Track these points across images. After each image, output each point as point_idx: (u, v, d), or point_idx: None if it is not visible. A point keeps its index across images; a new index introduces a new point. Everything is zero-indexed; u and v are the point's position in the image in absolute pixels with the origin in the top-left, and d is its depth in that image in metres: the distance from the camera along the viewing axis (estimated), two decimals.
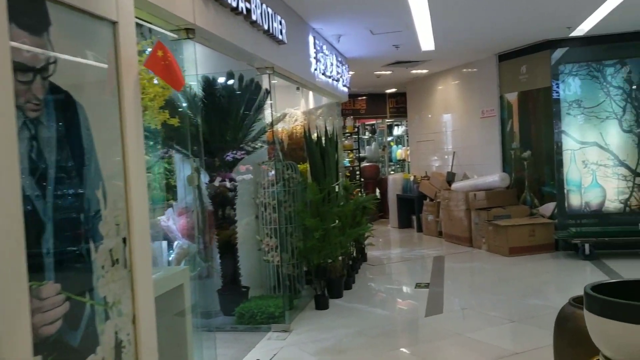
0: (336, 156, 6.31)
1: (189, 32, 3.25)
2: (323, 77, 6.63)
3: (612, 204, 7.55)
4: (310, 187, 5.62)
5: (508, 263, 7.22)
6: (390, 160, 13.82)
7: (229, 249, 5.32)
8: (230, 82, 5.07)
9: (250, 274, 5.63)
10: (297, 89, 8.14)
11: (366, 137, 14.15)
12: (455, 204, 8.77)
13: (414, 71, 9.98)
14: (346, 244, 6.32)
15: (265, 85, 5.17)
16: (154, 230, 4.80)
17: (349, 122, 12.50)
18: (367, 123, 14.09)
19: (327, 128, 6.37)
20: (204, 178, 5.20)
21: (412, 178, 10.68)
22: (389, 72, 9.86)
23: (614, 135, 7.51)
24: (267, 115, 5.30)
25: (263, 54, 4.48)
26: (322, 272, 5.66)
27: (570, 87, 7.65)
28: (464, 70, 9.63)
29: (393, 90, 12.78)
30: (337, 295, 5.81)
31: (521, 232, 7.58)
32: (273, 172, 5.46)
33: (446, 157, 10.27)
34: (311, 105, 8.67)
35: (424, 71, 10.08)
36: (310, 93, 8.18)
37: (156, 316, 2.23)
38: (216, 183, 5.10)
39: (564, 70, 7.65)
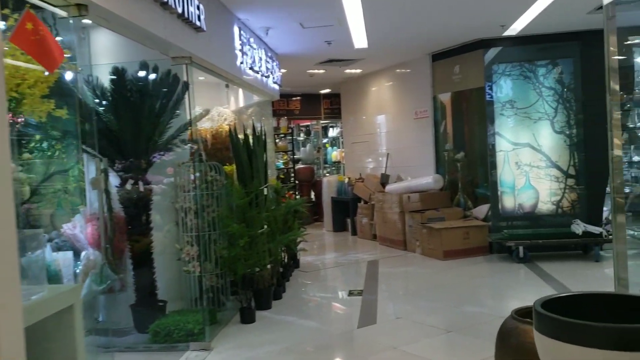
0: (265, 157, 5.90)
1: (81, 8, 2.76)
2: (251, 73, 6.22)
3: (545, 205, 7.52)
4: (236, 190, 5.18)
5: (442, 267, 7.03)
6: (326, 162, 13.53)
7: (144, 260, 4.80)
8: (144, 73, 4.55)
9: (169, 287, 5.11)
10: (226, 86, 7.72)
11: (301, 138, 13.82)
12: (389, 207, 8.55)
13: (347, 71, 9.72)
14: (276, 251, 5.92)
15: (184, 77, 4.69)
16: (60, 239, 4.24)
17: (283, 122, 12.14)
18: (302, 124, 13.77)
19: (256, 127, 5.95)
20: (114, 181, 4.66)
21: (346, 180, 10.41)
22: (322, 71, 9.55)
23: (546, 137, 7.49)
24: (191, 112, 4.83)
25: (178, 41, 4.02)
26: (249, 282, 5.23)
27: (503, 88, 7.58)
28: (398, 70, 9.45)
29: (327, 90, 12.51)
30: (266, 307, 5.39)
31: (455, 235, 7.42)
32: (196, 173, 4.99)
33: (380, 158, 10.06)
34: (241, 103, 8.24)
35: (358, 71, 9.84)
36: (240, 91, 7.75)
37: (39, 344, 1.77)
38: (128, 186, 4.57)
39: (497, 70, 7.57)
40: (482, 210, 7.80)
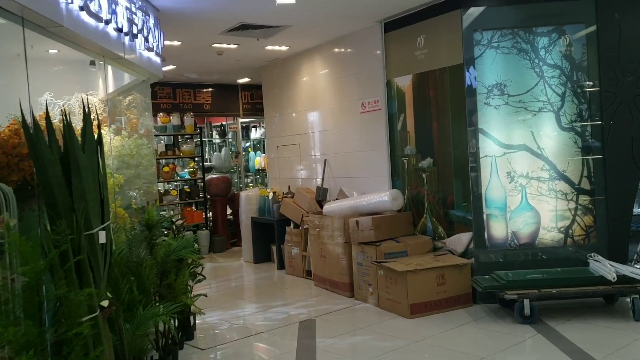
0: (107, 173, 3.30)
1: None
2: (92, 22, 3.61)
3: (549, 233, 5.32)
4: (22, 244, 2.55)
5: (411, 333, 4.67)
6: (248, 170, 10.98)
7: None
8: None
9: None
10: (91, 63, 5.21)
11: (218, 140, 11.18)
12: (328, 235, 6.13)
13: (269, 48, 7.24)
14: (139, 337, 3.34)
15: None
16: None
17: (189, 120, 9.47)
18: (215, 123, 11.15)
19: (92, 116, 3.34)
20: None
21: (271, 195, 7.92)
22: (233, 47, 7.02)
23: (550, 136, 5.29)
24: None
25: None
26: None
27: (488, 67, 5.33)
28: (337, 50, 7.06)
29: (246, 80, 9.96)
30: None
31: (426, 280, 5.10)
32: None
33: (315, 165, 7.64)
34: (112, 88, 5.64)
35: (283, 48, 7.37)
36: (112, 71, 5.18)
37: None
38: None
39: (480, 40, 5.32)
40: (461, 240, 5.52)
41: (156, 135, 9.36)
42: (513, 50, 5.31)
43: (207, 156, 10.85)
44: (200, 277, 5.02)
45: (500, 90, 5.32)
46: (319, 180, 7.37)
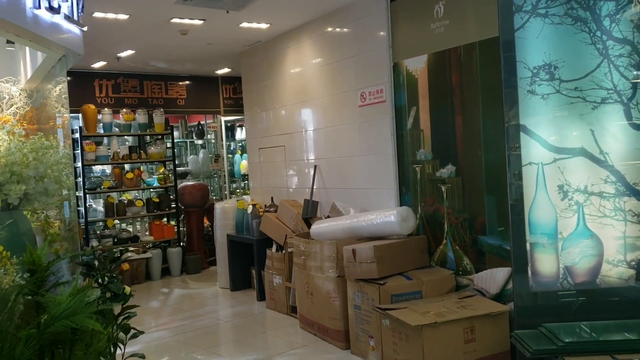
0: None
1: None
2: None
3: (615, 269, 3.91)
4: None
5: None
6: (233, 175, 9.60)
7: None
8: None
9: None
10: (9, 42, 4.04)
11: (200, 142, 9.78)
12: (317, 265, 4.74)
13: (246, 25, 5.85)
14: None
15: None
16: None
17: (158, 118, 8.06)
18: (191, 123, 9.75)
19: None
20: None
21: (249, 208, 6.53)
22: (199, 22, 5.63)
23: (617, 136, 3.89)
24: None
25: None
26: None
27: (533, 41, 3.93)
28: (329, 28, 5.67)
29: (226, 70, 8.57)
30: None
31: (449, 337, 3.71)
32: None
33: (304, 172, 6.25)
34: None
35: (263, 26, 5.97)
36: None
37: None
38: None
39: (523, 5, 3.92)
40: (495, 278, 4.13)
41: (119, 135, 8.00)
42: (566, 19, 3.90)
43: (186, 160, 9.47)
44: (135, 332, 3.62)
45: (549, 73, 3.91)
46: (307, 191, 5.98)
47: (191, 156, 9.28)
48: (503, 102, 3.91)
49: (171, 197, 8.28)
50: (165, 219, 8.32)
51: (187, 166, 9.14)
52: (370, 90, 5.11)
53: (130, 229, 8.17)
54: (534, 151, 3.90)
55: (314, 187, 5.90)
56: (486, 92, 4.16)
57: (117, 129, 8.05)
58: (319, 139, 5.98)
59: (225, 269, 6.90)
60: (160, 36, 6.05)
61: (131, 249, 7.76)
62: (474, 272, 4.31)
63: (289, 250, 5.52)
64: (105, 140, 8.00)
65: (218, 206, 7.09)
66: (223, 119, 9.38)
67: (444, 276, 4.34)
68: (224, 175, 9.25)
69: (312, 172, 5.97)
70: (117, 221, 8.13)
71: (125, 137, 8.32)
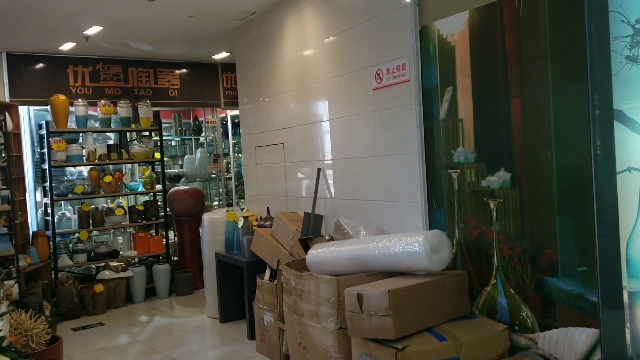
0: None
1: None
2: None
3: None
4: None
5: None
6: (240, 178, 8.37)
7: None
8: None
9: None
10: None
11: (203, 138, 8.52)
12: (311, 310, 3.43)
13: None
14: None
15: None
16: None
17: (144, 111, 6.87)
18: (185, 120, 8.49)
19: None
20: None
21: (241, 222, 5.25)
22: None
23: None
24: None
25: None
26: None
27: None
28: None
29: (224, 55, 7.30)
30: None
31: None
32: None
33: (307, 176, 4.91)
34: None
35: None
36: None
37: None
38: None
39: None
40: (573, 342, 2.76)
41: (95, 132, 6.82)
42: None
43: (181, 161, 8.24)
44: None
45: None
46: (309, 201, 4.66)
47: (187, 156, 8.04)
48: (588, 76, 2.51)
49: (159, 204, 7.09)
50: (152, 230, 7.14)
51: (184, 168, 7.90)
52: (389, 66, 3.77)
53: (115, 242, 7.04)
54: (636, 150, 2.52)
55: (317, 196, 4.59)
56: (559, 62, 2.80)
57: (97, 124, 6.91)
58: (323, 134, 4.66)
59: (214, 294, 5.65)
60: (124, 3, 4.82)
61: (112, 264, 6.56)
62: (537, 329, 2.94)
63: (282, 276, 4.21)
64: (81, 138, 6.82)
65: (206, 217, 5.84)
66: (228, 112, 8.11)
67: (492, 334, 2.98)
68: (225, 178, 7.99)
69: (314, 177, 4.66)
70: (96, 232, 7.02)
71: (105, 133, 7.13)
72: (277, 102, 5.37)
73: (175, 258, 7.26)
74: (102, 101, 6.72)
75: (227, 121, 8.13)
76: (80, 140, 6.82)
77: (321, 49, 4.61)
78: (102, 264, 6.63)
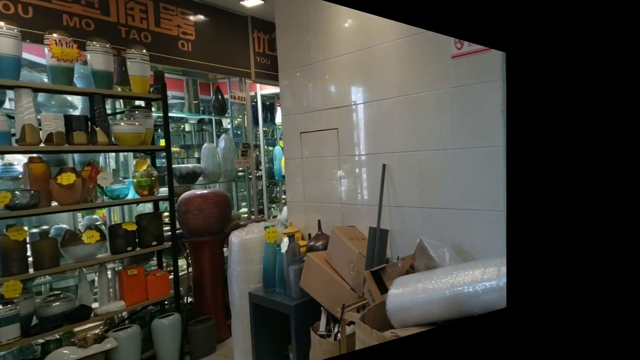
0: None
1: None
2: None
3: None
4: None
5: None
6: (272, 177, 8.99)
7: None
8: None
9: None
10: None
11: (227, 122, 9.11)
12: None
13: None
14: None
15: None
16: None
17: (138, 66, 6.17)
18: (204, 96, 8.95)
19: None
20: None
21: (285, 243, 5.69)
22: None
23: None
24: None
25: None
26: None
27: None
28: None
29: (258, 3, 7.82)
30: None
31: None
32: None
33: (371, 172, 5.41)
34: None
35: None
36: None
37: None
38: None
39: None
40: None
41: (38, 90, 5.49)
42: None
43: (197, 153, 8.72)
44: None
45: None
46: (374, 212, 5.18)
47: (205, 144, 8.43)
48: None
49: (164, 218, 6.82)
50: (152, 261, 7.02)
51: (202, 162, 8.27)
52: None
53: (85, 290, 5.88)
54: None
55: (382, 203, 5.10)
56: None
57: (44, 78, 5.97)
58: (385, 118, 5.18)
59: (247, 352, 6.08)
60: None
61: (77, 331, 5.94)
62: None
63: (348, 329, 4.60)
64: (7, 100, 5.81)
65: (235, 239, 6.10)
66: (258, 88, 8.64)
67: None
68: (258, 177, 8.61)
69: (380, 175, 5.17)
70: (42, 279, 6.30)
71: (62, 96, 6.19)
72: (329, 71, 5.90)
73: (190, 300, 7.23)
74: (56, 35, 5.43)
75: (256, 101, 8.57)
76: (7, 104, 5.85)
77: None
78: (57, 336, 5.73)
